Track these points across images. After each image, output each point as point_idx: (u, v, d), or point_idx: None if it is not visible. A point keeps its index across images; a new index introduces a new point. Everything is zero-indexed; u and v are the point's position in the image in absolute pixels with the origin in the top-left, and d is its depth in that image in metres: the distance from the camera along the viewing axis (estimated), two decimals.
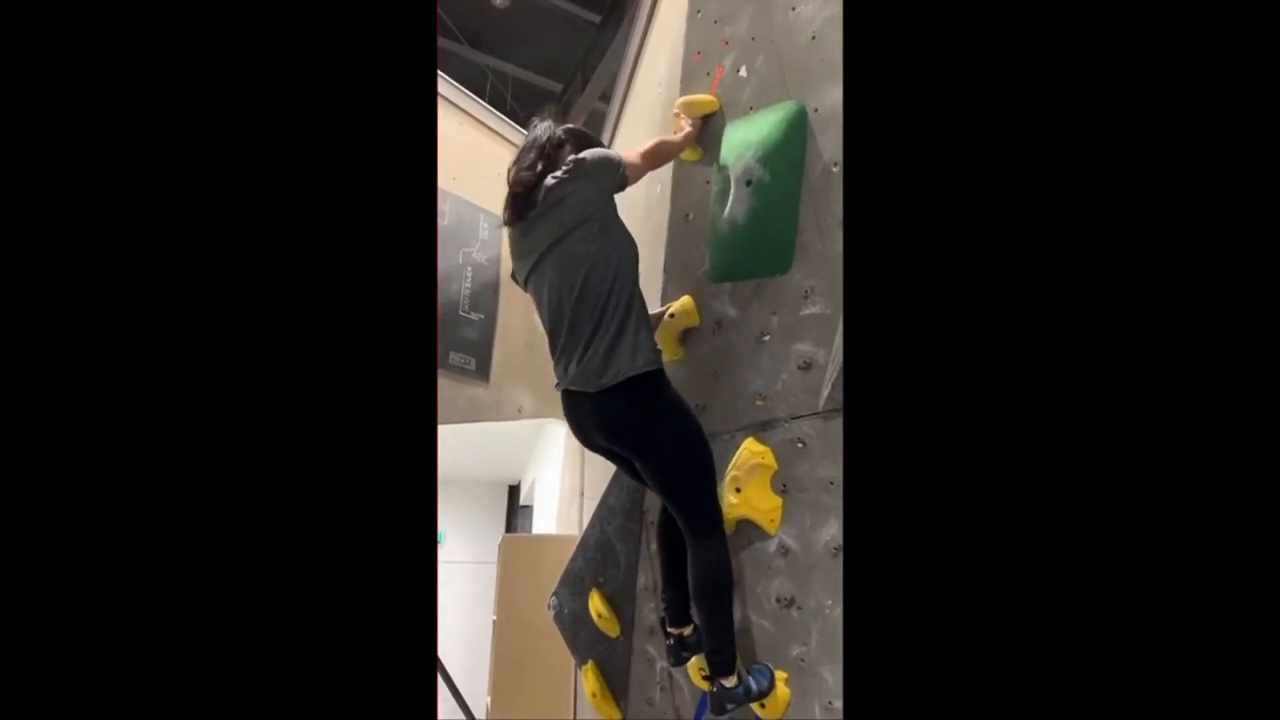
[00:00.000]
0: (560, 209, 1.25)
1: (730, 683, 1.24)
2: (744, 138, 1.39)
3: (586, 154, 1.28)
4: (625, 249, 1.29)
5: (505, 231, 1.36)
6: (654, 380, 1.22)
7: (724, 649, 1.25)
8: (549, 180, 1.26)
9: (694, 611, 1.31)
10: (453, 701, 4.56)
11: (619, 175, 1.29)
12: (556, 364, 1.31)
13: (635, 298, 1.26)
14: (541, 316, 1.34)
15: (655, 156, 1.40)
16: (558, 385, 1.32)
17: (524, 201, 1.29)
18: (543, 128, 1.33)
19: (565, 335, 1.26)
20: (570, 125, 1.39)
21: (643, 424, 1.22)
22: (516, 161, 1.32)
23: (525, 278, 1.34)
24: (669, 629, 1.39)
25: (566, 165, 1.26)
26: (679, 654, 1.38)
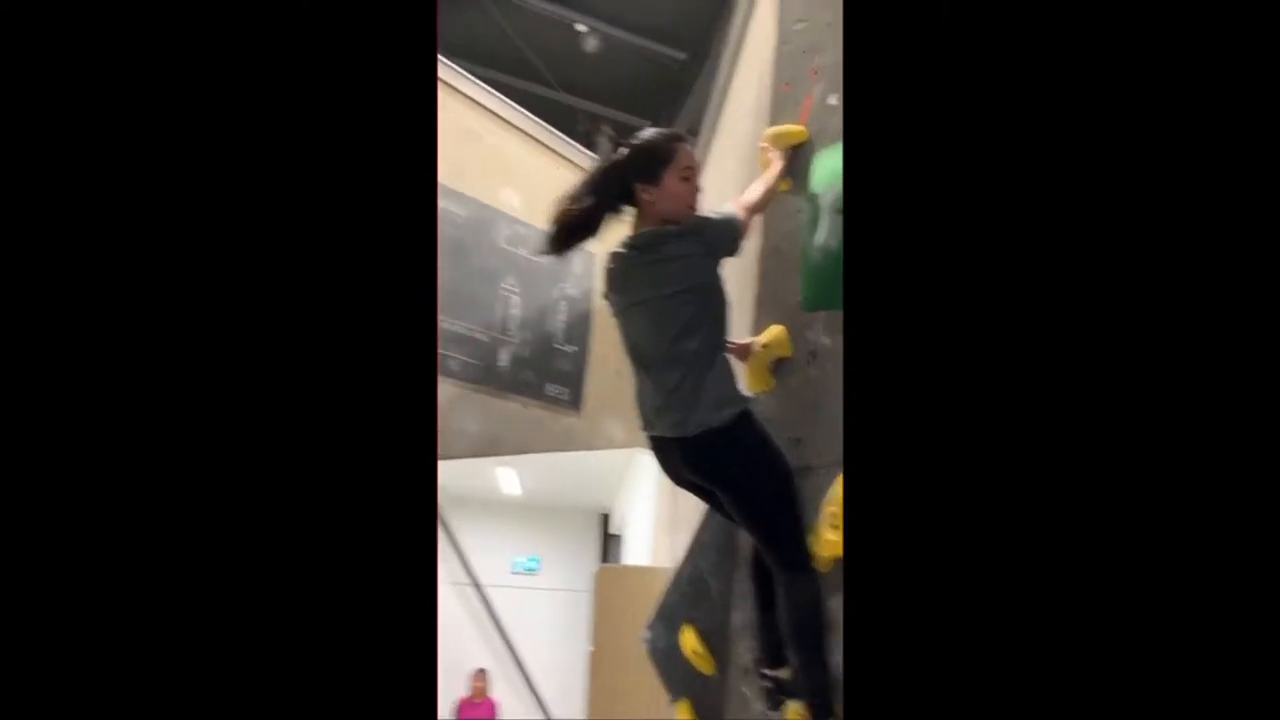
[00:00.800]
0: (670, 267, 1.21)
1: None
2: (834, 166, 1.37)
3: (713, 218, 1.25)
4: (721, 311, 1.28)
5: (603, 256, 1.36)
6: (737, 421, 1.20)
7: (822, 692, 1.19)
8: (669, 228, 1.23)
9: (789, 652, 1.26)
10: None
11: (736, 244, 1.27)
12: (641, 406, 1.32)
13: (721, 350, 1.26)
14: (629, 352, 1.35)
15: (761, 207, 1.39)
16: (642, 428, 1.32)
17: (568, 235, 1.27)
18: (602, 155, 1.33)
19: (651, 382, 1.27)
20: (629, 148, 1.27)
21: (726, 459, 1.21)
22: (572, 190, 1.28)
23: (617, 310, 1.36)
24: (765, 671, 1.34)
25: (691, 224, 1.22)
26: (775, 697, 1.33)
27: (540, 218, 3.34)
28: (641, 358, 1.30)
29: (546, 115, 3.54)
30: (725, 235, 1.24)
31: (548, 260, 3.09)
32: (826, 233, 1.37)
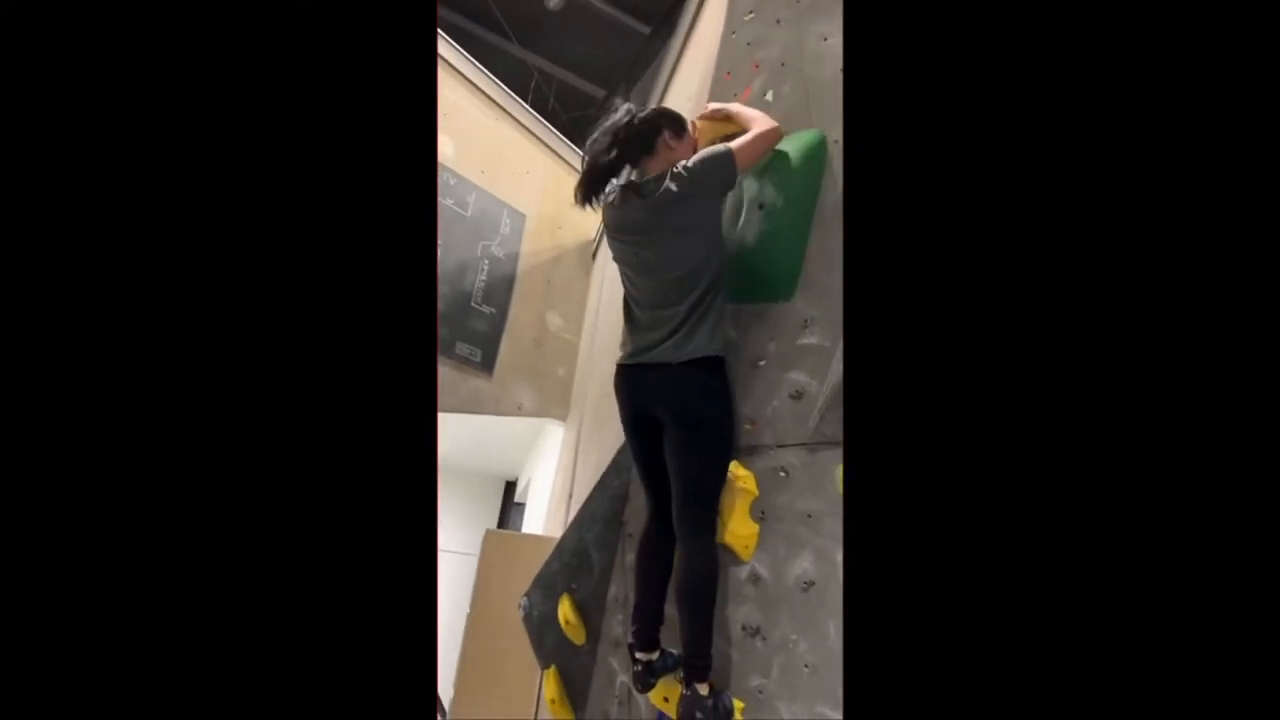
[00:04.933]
0: (674, 211, 1.30)
1: (704, 690, 1.23)
2: (762, 161, 1.39)
3: (708, 154, 1.29)
4: (722, 251, 1.36)
5: (605, 200, 1.39)
6: (720, 364, 1.33)
7: (704, 654, 1.24)
8: (668, 179, 1.29)
9: (679, 613, 1.28)
10: None
11: (730, 176, 1.31)
12: (632, 337, 1.39)
13: (721, 291, 1.35)
14: (630, 286, 1.41)
15: (764, 144, 1.35)
16: (626, 359, 1.39)
17: (594, 186, 1.35)
18: (623, 110, 1.36)
19: (652, 315, 1.35)
20: (663, 107, 1.43)
21: (701, 397, 1.30)
22: (592, 143, 1.36)
23: (622, 248, 1.40)
24: (637, 654, 1.37)
25: (684, 169, 1.29)
26: (646, 680, 1.36)
27: (472, 170, 3.23)
28: (652, 295, 1.36)
29: (497, 67, 3.41)
30: (716, 169, 1.29)
31: (474, 215, 3.00)
32: (744, 226, 1.39)
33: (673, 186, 1.28)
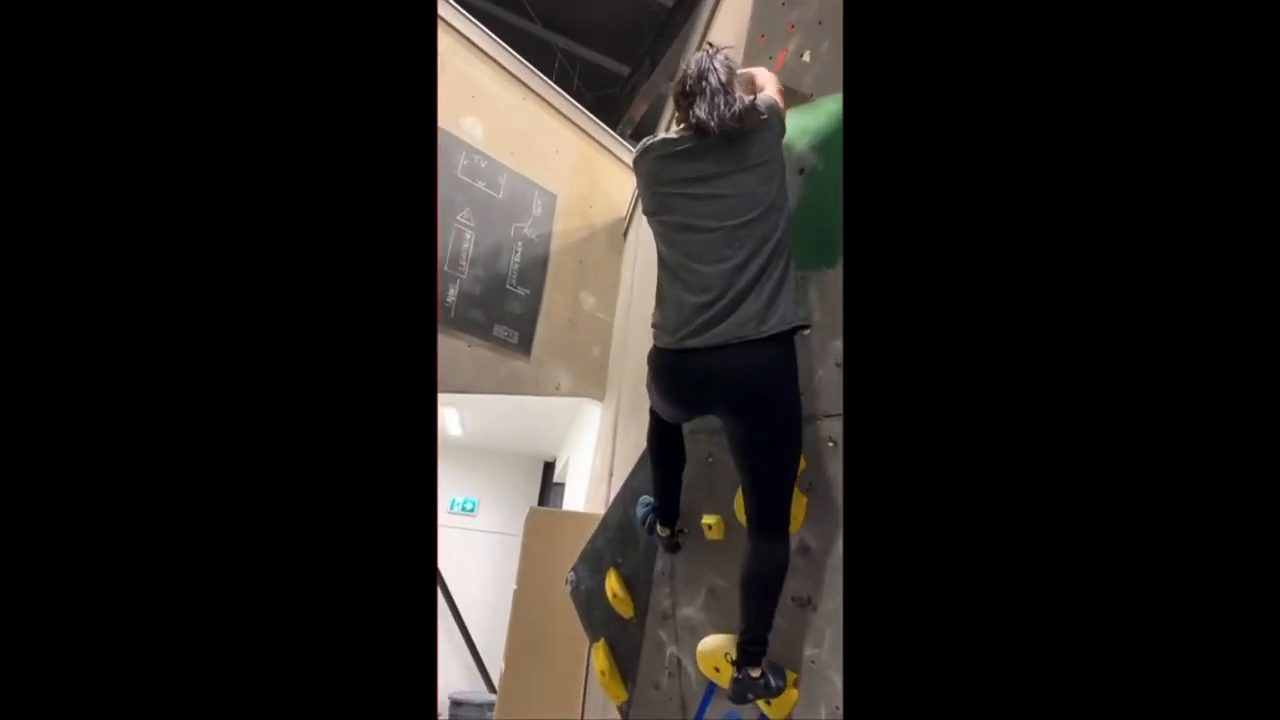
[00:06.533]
0: (747, 143, 1.16)
1: (755, 674, 1.23)
2: (801, 124, 1.35)
3: (771, 102, 1.20)
4: (788, 210, 1.20)
5: (654, 144, 1.24)
6: (795, 338, 1.16)
7: (760, 642, 1.23)
8: (736, 106, 1.15)
9: (741, 595, 1.24)
10: (473, 666, 4.65)
11: (783, 120, 1.24)
12: (680, 312, 1.16)
13: (790, 248, 1.17)
14: (686, 244, 1.19)
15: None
16: (676, 341, 1.16)
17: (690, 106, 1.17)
18: (720, 58, 1.20)
19: (712, 278, 1.13)
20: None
21: (781, 386, 1.13)
22: (715, 87, 1.16)
23: (677, 200, 1.21)
24: (659, 527, 1.52)
25: (759, 105, 1.18)
26: (672, 546, 1.53)
27: (502, 151, 3.23)
28: (710, 247, 1.14)
29: (522, 48, 3.39)
30: (779, 114, 1.22)
31: (505, 197, 3.01)
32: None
33: (747, 110, 1.15)
